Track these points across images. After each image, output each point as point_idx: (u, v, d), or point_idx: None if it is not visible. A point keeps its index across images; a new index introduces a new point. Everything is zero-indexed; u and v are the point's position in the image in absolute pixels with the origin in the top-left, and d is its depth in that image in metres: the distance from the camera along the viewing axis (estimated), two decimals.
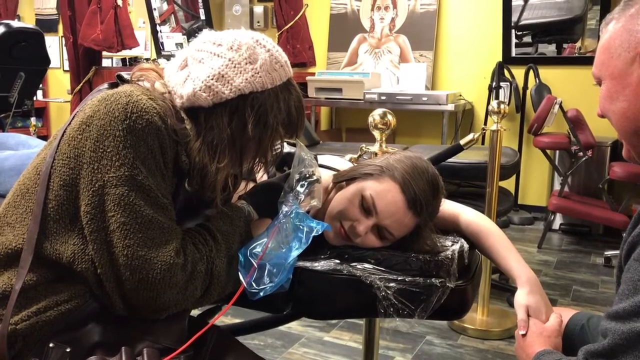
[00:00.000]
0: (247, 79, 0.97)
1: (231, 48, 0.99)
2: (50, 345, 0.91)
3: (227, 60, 0.98)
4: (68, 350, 0.92)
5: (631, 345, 0.80)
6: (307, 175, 1.10)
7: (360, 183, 1.19)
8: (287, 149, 1.23)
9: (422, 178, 1.17)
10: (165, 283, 0.92)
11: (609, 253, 3.41)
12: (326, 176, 1.29)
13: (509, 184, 4.00)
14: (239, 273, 1.03)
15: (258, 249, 1.05)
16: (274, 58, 1.01)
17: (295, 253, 1.05)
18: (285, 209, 1.07)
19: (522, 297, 1.13)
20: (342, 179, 1.24)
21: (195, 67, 1.00)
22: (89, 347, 0.95)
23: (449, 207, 1.32)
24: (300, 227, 1.06)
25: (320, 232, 1.07)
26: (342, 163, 1.38)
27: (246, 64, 0.98)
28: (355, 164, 1.31)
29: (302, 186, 1.09)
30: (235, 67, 0.98)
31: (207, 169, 0.98)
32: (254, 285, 1.02)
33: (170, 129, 0.95)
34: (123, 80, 1.05)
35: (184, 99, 0.98)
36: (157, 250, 0.92)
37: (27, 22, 5.91)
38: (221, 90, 0.97)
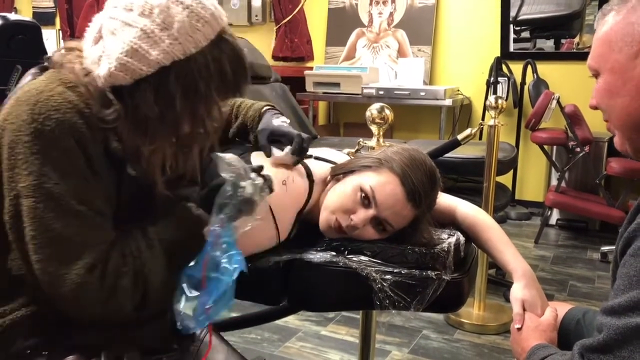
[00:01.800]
0: (164, 50, 0.86)
1: (142, 13, 0.86)
2: (28, 351, 0.88)
3: (139, 30, 0.86)
4: (45, 353, 0.89)
5: (626, 340, 0.80)
6: (235, 194, 0.93)
7: (359, 175, 1.19)
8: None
9: (420, 170, 1.18)
10: (77, 301, 0.85)
11: (605, 248, 3.42)
12: (324, 169, 1.29)
13: (506, 179, 4.00)
14: (177, 305, 0.89)
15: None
16: (195, 15, 0.87)
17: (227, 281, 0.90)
18: (210, 239, 0.90)
19: (518, 291, 1.13)
20: (340, 172, 1.24)
21: (108, 40, 0.88)
22: (67, 350, 0.90)
23: (445, 200, 1.32)
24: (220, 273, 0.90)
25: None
26: (340, 156, 1.38)
27: (161, 31, 0.86)
28: (353, 158, 1.31)
29: (227, 212, 0.92)
30: (148, 37, 0.86)
31: (140, 151, 0.89)
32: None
33: (93, 118, 0.87)
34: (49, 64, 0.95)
35: (102, 80, 0.88)
36: (66, 267, 0.84)
37: (24, 15, 5.88)
38: (138, 67, 0.86)
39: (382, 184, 1.16)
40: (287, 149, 1.20)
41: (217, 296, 0.88)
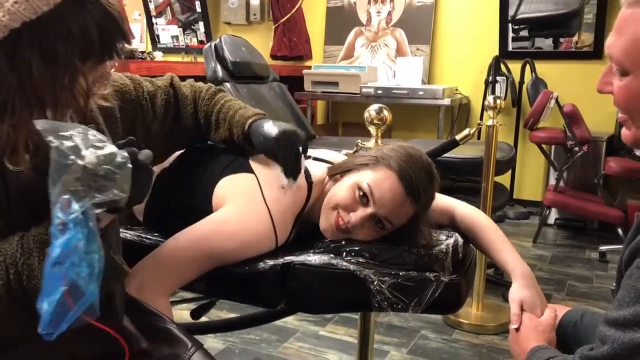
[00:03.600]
0: (9, 10, 0.75)
1: None
2: None
3: None
4: None
5: (630, 356, 0.79)
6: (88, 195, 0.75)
7: (356, 174, 1.19)
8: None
9: (417, 165, 1.18)
10: None
11: (603, 248, 3.42)
12: (322, 169, 1.28)
13: (504, 179, 3.99)
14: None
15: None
16: None
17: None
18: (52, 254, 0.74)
19: (517, 292, 1.13)
20: (337, 172, 1.24)
21: None
22: None
23: (444, 201, 1.32)
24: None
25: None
26: (338, 156, 1.38)
27: None
28: (349, 157, 1.31)
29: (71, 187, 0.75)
30: None
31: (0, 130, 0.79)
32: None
33: None
34: None
35: None
36: None
37: None
38: None
39: (380, 180, 1.16)
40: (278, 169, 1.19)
41: (76, 300, 0.75)
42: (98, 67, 0.85)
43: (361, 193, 1.16)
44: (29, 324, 0.82)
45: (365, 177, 1.17)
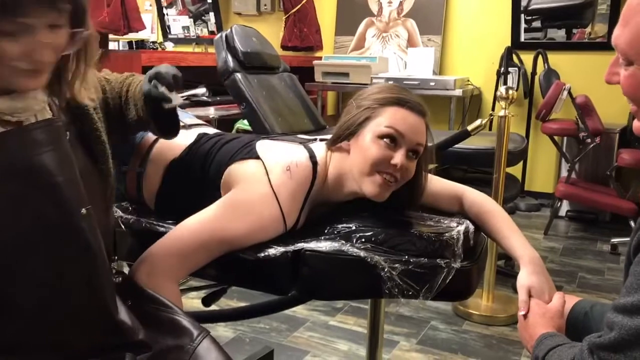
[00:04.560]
0: None
1: None
2: None
3: None
4: None
5: (638, 341, 0.78)
6: None
7: (365, 130, 1.20)
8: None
9: (400, 89, 1.25)
10: None
11: (615, 240, 3.40)
12: (322, 148, 1.27)
13: (516, 170, 3.97)
14: None
15: None
16: None
17: None
18: None
19: (524, 278, 1.12)
20: (339, 141, 1.23)
21: None
22: None
23: (452, 187, 1.32)
24: None
25: None
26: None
27: None
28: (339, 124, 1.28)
29: None
30: None
31: None
32: None
33: None
34: None
35: None
36: None
37: None
38: None
39: (391, 118, 1.19)
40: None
41: None
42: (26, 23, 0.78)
43: (387, 140, 1.17)
44: (25, 330, 0.84)
45: (378, 125, 1.19)
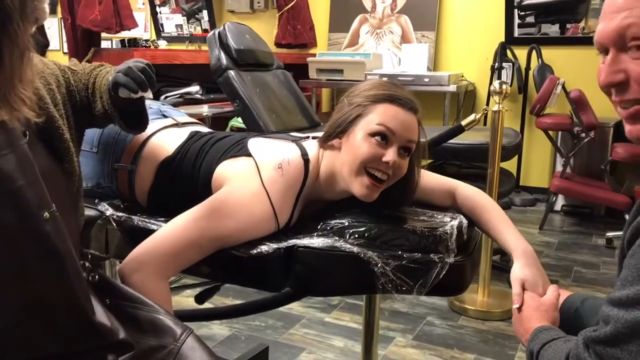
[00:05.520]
0: None
1: None
2: None
3: None
4: None
5: (634, 334, 0.78)
6: None
7: (356, 127, 1.19)
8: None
9: (391, 85, 1.23)
10: None
11: (610, 234, 3.40)
12: (314, 146, 1.27)
13: (510, 165, 3.97)
14: None
15: None
16: None
17: None
18: None
19: (518, 271, 1.12)
20: (330, 138, 1.23)
21: None
22: None
23: (445, 182, 1.31)
24: None
25: None
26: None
27: None
28: (330, 121, 1.27)
29: None
30: None
31: None
32: None
33: None
34: None
35: None
36: None
37: None
38: None
39: (382, 116, 1.17)
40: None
41: None
42: None
43: (378, 137, 1.16)
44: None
45: (370, 123, 1.17)
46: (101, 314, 0.92)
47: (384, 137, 1.16)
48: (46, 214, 0.83)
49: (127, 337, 0.93)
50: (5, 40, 0.74)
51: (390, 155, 1.16)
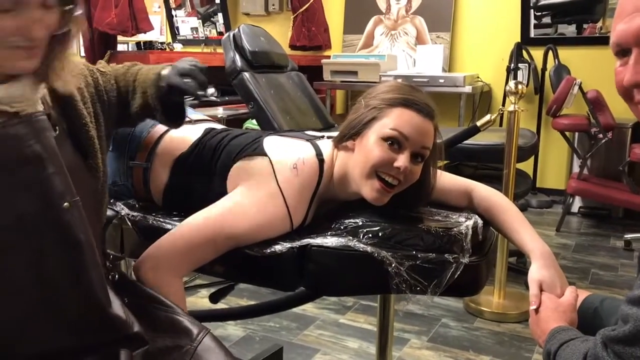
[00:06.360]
0: None
1: None
2: None
3: None
4: None
5: None
6: None
7: (370, 131, 1.18)
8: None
9: (410, 89, 1.21)
10: None
11: (629, 236, 3.36)
12: (329, 146, 1.26)
13: (527, 167, 3.94)
14: None
15: None
16: None
17: None
18: None
19: (536, 272, 1.11)
20: (345, 139, 1.22)
21: None
22: None
23: (462, 182, 1.30)
24: None
25: None
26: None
27: None
28: (346, 121, 1.27)
29: None
30: None
31: None
32: None
33: None
34: None
35: None
36: None
37: None
38: None
39: (397, 120, 1.16)
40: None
41: None
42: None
43: (390, 142, 1.15)
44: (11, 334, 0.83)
45: (383, 127, 1.16)
46: (117, 307, 0.94)
47: (396, 142, 1.15)
48: (67, 204, 0.86)
49: (141, 331, 0.94)
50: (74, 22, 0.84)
51: (401, 161, 1.14)
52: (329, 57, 4.61)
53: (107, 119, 1.09)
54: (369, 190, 1.17)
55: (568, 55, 4.12)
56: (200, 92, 1.13)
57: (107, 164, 1.07)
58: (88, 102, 1.04)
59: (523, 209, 4.08)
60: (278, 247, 1.14)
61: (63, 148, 0.91)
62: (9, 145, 0.83)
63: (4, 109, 0.84)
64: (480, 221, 1.17)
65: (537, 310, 1.05)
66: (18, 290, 0.84)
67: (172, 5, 5.54)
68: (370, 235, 1.12)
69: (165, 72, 1.15)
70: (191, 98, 1.15)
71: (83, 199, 0.89)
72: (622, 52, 0.87)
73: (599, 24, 4.19)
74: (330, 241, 1.12)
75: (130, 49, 5.14)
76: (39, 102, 0.90)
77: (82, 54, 4.68)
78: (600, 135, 3.46)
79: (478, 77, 4.35)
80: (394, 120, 1.16)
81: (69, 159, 0.91)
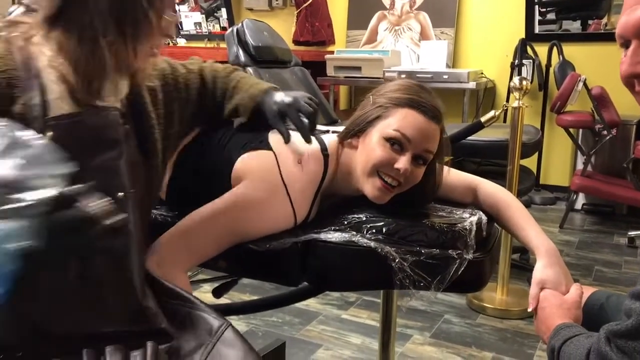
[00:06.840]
0: None
1: None
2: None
3: None
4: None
5: None
6: None
7: (374, 129, 1.17)
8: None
9: (419, 89, 1.19)
10: None
11: (632, 233, 3.35)
12: (334, 141, 1.26)
13: (530, 163, 3.94)
14: None
15: None
16: None
17: None
18: None
19: (540, 271, 1.11)
20: (349, 136, 1.22)
21: None
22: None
23: (467, 178, 1.30)
24: None
25: None
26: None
27: None
28: (352, 118, 1.27)
29: None
30: None
31: (97, 74, 0.88)
32: None
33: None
34: None
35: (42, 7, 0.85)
36: None
37: None
38: None
39: (401, 121, 1.15)
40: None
41: None
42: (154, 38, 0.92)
43: (392, 142, 1.14)
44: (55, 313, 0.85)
45: (387, 127, 1.15)
46: (150, 299, 0.95)
47: (398, 143, 1.15)
48: (122, 194, 0.90)
49: (167, 327, 0.95)
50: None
51: (402, 162, 1.14)
52: (332, 52, 4.60)
53: (182, 117, 1.15)
54: (370, 188, 1.17)
55: (573, 51, 4.10)
56: (308, 135, 1.21)
57: (166, 163, 1.13)
58: (160, 103, 1.08)
59: (527, 205, 4.07)
60: (281, 242, 1.14)
61: (128, 144, 0.95)
62: (86, 133, 0.88)
63: (95, 103, 0.89)
64: (484, 217, 1.17)
65: (535, 312, 1.06)
66: (59, 267, 0.85)
67: (176, 0, 5.53)
68: (374, 230, 1.11)
69: (278, 97, 1.24)
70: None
71: (136, 194, 0.93)
72: (625, 44, 0.87)
73: (604, 20, 4.17)
74: (333, 236, 1.12)
75: None
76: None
77: None
78: (605, 132, 3.45)
79: (482, 73, 4.34)
80: (398, 121, 1.15)
81: (131, 155, 0.95)
